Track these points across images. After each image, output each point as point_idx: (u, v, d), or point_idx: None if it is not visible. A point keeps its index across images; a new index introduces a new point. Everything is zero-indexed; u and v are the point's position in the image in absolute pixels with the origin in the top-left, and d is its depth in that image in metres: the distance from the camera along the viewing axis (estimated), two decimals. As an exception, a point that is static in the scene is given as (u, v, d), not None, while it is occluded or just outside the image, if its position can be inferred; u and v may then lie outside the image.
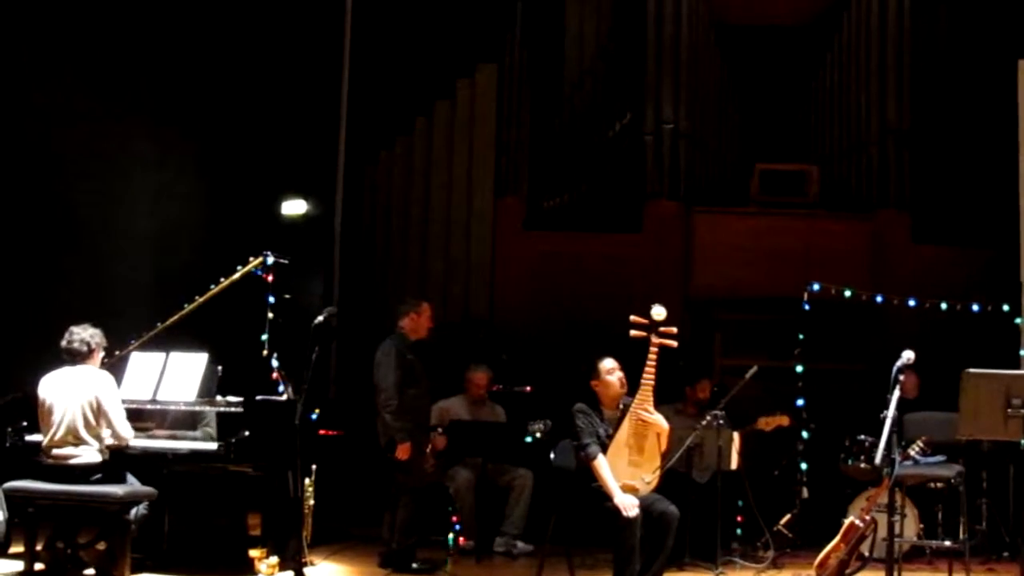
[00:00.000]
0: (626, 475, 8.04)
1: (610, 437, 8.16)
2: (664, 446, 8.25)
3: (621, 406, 8.27)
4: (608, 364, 8.37)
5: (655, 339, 7.99)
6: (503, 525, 10.46)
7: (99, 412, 8.11)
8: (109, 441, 8.20)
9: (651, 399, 8.08)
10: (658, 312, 7.98)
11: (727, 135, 13.64)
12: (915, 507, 10.06)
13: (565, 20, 13.88)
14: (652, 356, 8.00)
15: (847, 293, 11.42)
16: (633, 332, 8.00)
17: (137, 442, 8.47)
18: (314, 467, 9.46)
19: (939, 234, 13.00)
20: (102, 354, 8.50)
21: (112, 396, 8.20)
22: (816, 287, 11.13)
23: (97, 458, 8.12)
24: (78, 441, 8.07)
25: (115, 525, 8.07)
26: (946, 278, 12.51)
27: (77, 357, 8.27)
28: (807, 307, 11.07)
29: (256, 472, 8.56)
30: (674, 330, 8.01)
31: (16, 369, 9.45)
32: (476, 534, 10.36)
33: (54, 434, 8.08)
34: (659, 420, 8.14)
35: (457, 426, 10.46)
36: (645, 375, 8.02)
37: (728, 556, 9.95)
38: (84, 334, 8.31)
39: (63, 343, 8.29)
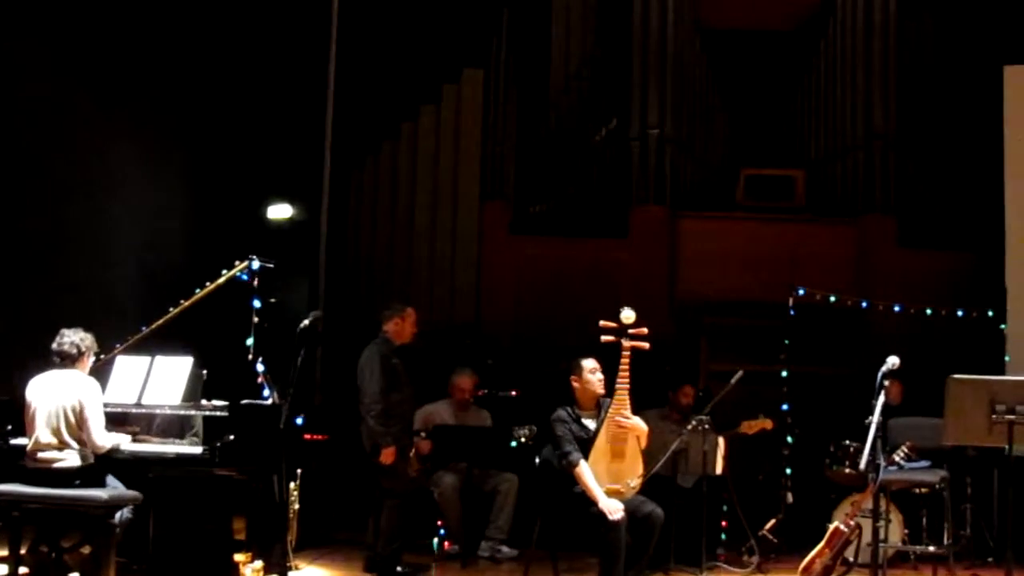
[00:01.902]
0: (609, 480, 8.04)
1: (590, 438, 8.16)
2: (644, 445, 8.24)
3: (599, 405, 8.29)
4: (590, 364, 8.39)
5: (626, 342, 7.99)
6: (488, 530, 10.45)
7: (81, 417, 8.07)
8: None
9: (628, 403, 8.08)
10: (627, 315, 7.98)
11: (713, 140, 13.68)
12: (900, 512, 10.06)
13: (551, 25, 13.91)
14: (625, 360, 8.00)
15: (832, 298, 11.45)
16: (604, 337, 8.00)
17: (124, 445, 8.43)
18: (299, 471, 9.44)
19: (924, 238, 13.04)
20: (92, 359, 8.45)
21: (94, 403, 8.13)
22: (802, 291, 11.15)
23: (80, 462, 8.07)
24: (62, 445, 8.02)
25: (100, 529, 8.02)
26: (931, 282, 12.56)
27: (66, 360, 8.21)
28: (793, 312, 11.09)
29: (241, 476, 8.52)
30: (644, 331, 8.00)
31: (1, 373, 9.41)
32: (461, 539, 10.35)
33: (37, 437, 8.05)
34: (637, 423, 8.15)
35: (442, 431, 10.45)
36: (619, 379, 8.02)
37: (713, 561, 9.94)
38: (74, 337, 8.26)
39: (53, 345, 8.24)
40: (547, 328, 12.84)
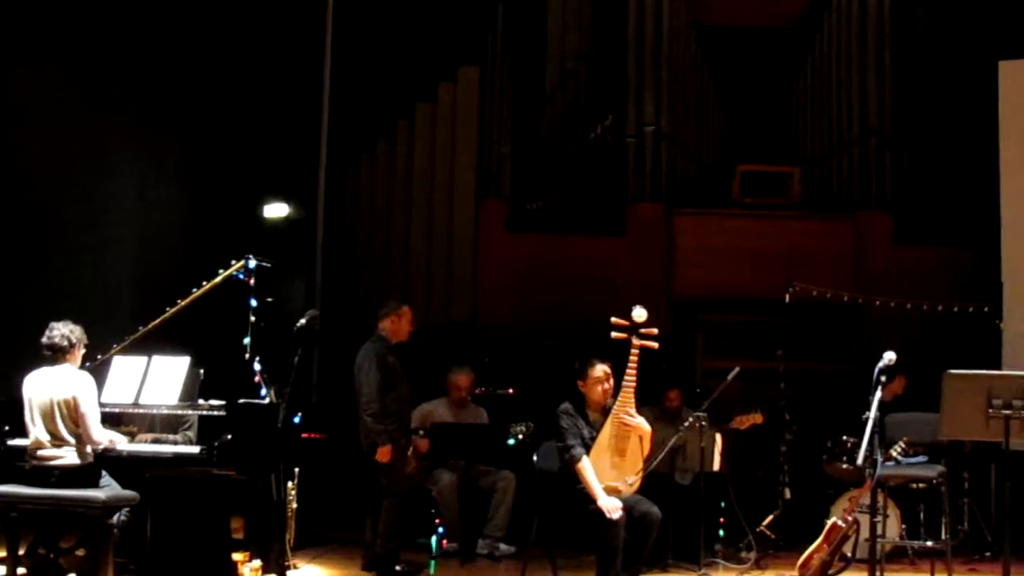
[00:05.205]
0: (609, 477, 8.04)
1: (594, 439, 8.15)
2: (647, 449, 8.24)
3: (605, 411, 8.27)
4: (598, 372, 8.32)
5: (636, 341, 7.99)
6: (486, 527, 10.45)
7: (76, 412, 8.05)
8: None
9: (633, 401, 8.07)
10: (639, 314, 7.98)
11: (709, 137, 13.68)
12: (897, 507, 10.07)
13: (547, 23, 13.91)
14: (633, 358, 7.99)
15: (829, 294, 11.45)
16: (614, 334, 8.00)
17: (120, 446, 8.43)
18: (297, 470, 9.44)
19: (921, 235, 13.05)
20: (83, 351, 8.41)
21: (89, 397, 8.10)
22: (798, 288, 11.15)
23: (78, 460, 8.04)
24: (60, 442, 8.01)
25: (97, 530, 8.01)
26: (928, 279, 12.58)
27: (57, 352, 8.16)
28: (789, 308, 11.09)
29: (239, 476, 8.50)
30: (655, 331, 8.00)
31: (-3, 374, 9.41)
32: (459, 537, 10.34)
33: (35, 435, 8.03)
34: (641, 423, 8.13)
35: (440, 429, 10.43)
36: (627, 377, 8.03)
37: (711, 557, 9.93)
38: (64, 330, 8.21)
39: (43, 339, 8.21)
40: (544, 326, 12.84)
